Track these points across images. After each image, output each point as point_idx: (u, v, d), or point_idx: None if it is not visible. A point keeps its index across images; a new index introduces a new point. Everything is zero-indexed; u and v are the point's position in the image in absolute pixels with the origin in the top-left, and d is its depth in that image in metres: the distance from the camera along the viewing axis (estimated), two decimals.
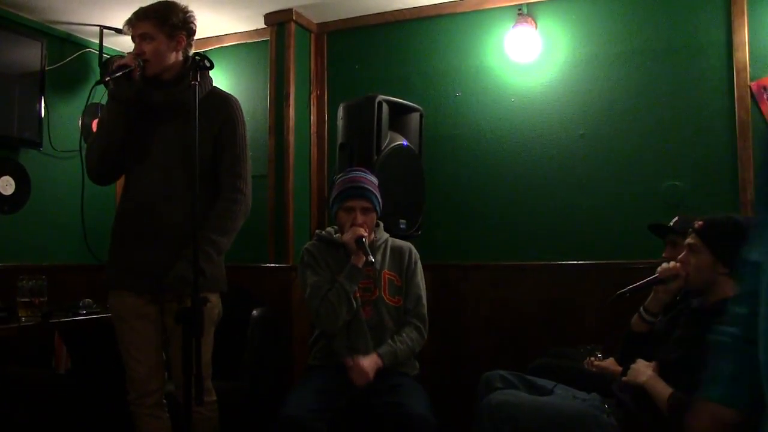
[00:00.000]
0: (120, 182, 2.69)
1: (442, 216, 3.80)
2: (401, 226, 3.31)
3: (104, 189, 4.16)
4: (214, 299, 2.53)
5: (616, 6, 3.51)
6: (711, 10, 3.32)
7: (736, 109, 3.22)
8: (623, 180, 3.44)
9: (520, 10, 3.63)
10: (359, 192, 2.76)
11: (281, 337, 3.71)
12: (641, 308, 2.44)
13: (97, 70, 4.08)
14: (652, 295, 2.41)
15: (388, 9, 3.94)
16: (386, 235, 2.92)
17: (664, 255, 2.61)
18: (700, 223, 2.25)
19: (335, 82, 4.16)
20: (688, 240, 2.28)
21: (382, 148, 3.27)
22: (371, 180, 2.83)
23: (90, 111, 4.20)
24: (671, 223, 2.65)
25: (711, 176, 3.29)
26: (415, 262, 2.87)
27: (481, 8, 3.77)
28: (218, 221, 2.43)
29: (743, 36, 3.22)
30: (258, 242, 3.93)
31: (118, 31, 4.00)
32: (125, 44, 4.23)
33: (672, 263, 2.34)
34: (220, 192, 2.50)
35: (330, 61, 4.18)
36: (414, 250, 2.91)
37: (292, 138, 3.93)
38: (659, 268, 2.37)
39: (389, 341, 2.68)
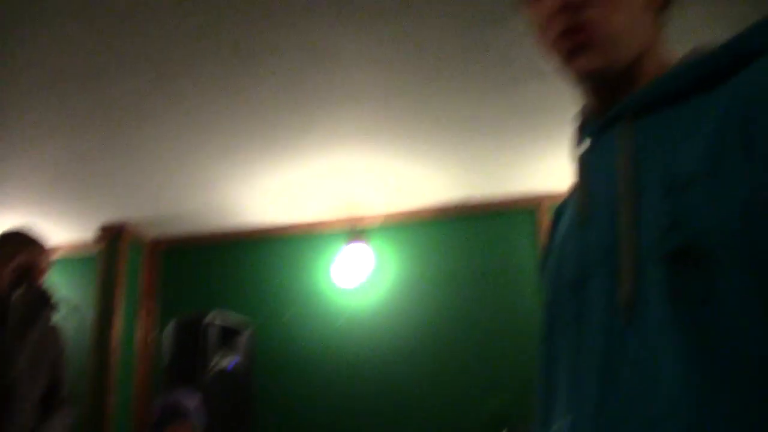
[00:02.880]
0: None
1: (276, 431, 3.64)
2: None
3: None
4: None
5: (439, 231, 3.77)
6: (522, 236, 3.64)
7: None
8: (451, 398, 3.49)
9: (351, 233, 3.78)
10: (180, 414, 2.65)
11: None
12: None
13: None
14: None
15: (224, 228, 3.99)
16: None
17: None
18: None
19: (168, 297, 4.06)
20: None
21: (210, 368, 3.18)
22: (191, 400, 2.74)
23: None
24: None
25: (531, 392, 3.40)
26: None
27: (312, 232, 3.91)
28: None
29: None
30: None
31: None
32: None
33: None
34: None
35: (163, 277, 4.10)
36: None
37: (115, 357, 3.69)
38: None
39: None
